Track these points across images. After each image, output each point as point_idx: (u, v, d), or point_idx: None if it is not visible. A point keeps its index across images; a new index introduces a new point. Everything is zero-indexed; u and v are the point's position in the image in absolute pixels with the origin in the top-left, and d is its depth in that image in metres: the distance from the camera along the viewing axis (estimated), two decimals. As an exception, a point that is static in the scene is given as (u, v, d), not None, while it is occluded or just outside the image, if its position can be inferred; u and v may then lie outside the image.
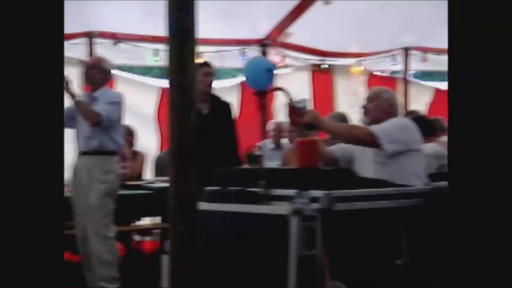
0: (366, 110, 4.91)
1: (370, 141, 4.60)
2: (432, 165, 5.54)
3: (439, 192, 4.34)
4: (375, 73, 10.43)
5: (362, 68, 10.02)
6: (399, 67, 10.29)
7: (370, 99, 4.94)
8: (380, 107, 4.84)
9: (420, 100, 10.55)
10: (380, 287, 4.26)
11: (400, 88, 10.32)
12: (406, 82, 10.35)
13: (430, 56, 10.12)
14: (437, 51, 10.10)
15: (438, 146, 5.72)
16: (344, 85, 10.12)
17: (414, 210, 4.31)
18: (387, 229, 4.32)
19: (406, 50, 10.02)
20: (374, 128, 4.65)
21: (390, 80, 10.64)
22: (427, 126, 5.93)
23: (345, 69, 10.09)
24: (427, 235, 4.36)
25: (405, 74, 10.33)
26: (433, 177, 4.93)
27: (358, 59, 9.91)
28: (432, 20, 9.10)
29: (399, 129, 4.67)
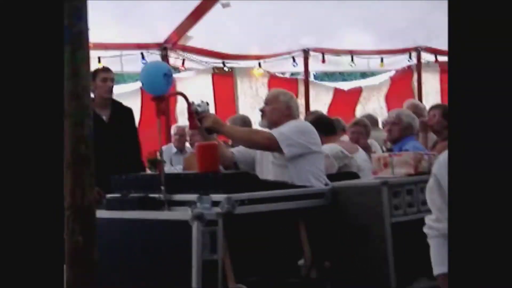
0: (264, 113, 4.94)
1: (271, 145, 4.64)
2: (333, 166, 5.63)
3: (338, 192, 4.42)
4: (276, 74, 10.53)
5: (263, 70, 10.08)
6: (299, 68, 10.41)
7: (267, 102, 4.97)
8: (277, 109, 4.87)
9: (320, 100, 10.71)
10: (283, 288, 4.32)
11: (301, 89, 10.44)
12: (306, 83, 10.48)
13: (329, 57, 10.28)
14: (336, 52, 10.28)
15: (339, 146, 5.82)
16: (246, 88, 10.17)
17: (314, 210, 4.38)
18: (288, 230, 4.37)
19: (305, 52, 10.14)
20: (274, 132, 4.68)
21: (291, 81, 10.77)
22: (328, 126, 6.02)
23: (246, 71, 10.13)
24: (327, 234, 4.43)
25: (305, 75, 10.46)
26: (333, 177, 5.03)
27: (258, 61, 9.97)
28: (330, 21, 9.28)
29: (298, 132, 4.72)
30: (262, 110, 5.00)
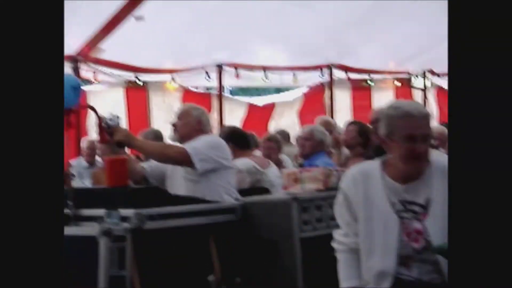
0: (176, 127, 4.92)
1: (183, 160, 4.61)
2: (245, 180, 5.63)
3: (248, 207, 4.42)
4: (190, 89, 10.50)
5: (176, 84, 10.03)
6: (213, 83, 10.41)
7: (179, 116, 4.95)
8: (189, 124, 4.86)
9: (234, 115, 10.74)
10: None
11: (214, 103, 10.45)
12: (220, 97, 10.48)
13: (242, 72, 10.32)
14: (249, 67, 10.33)
15: (252, 162, 5.83)
16: (159, 102, 10.10)
17: (225, 226, 4.37)
18: (198, 246, 4.34)
19: (219, 66, 10.16)
20: (186, 146, 4.66)
21: (204, 96, 10.75)
22: (243, 139, 6.01)
23: (160, 85, 10.07)
24: (237, 250, 4.42)
25: (219, 89, 10.46)
26: (245, 192, 5.03)
27: (172, 75, 9.92)
28: (243, 37, 9.32)
29: (210, 147, 4.71)
30: (174, 125, 4.97)
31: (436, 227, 3.01)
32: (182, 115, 4.94)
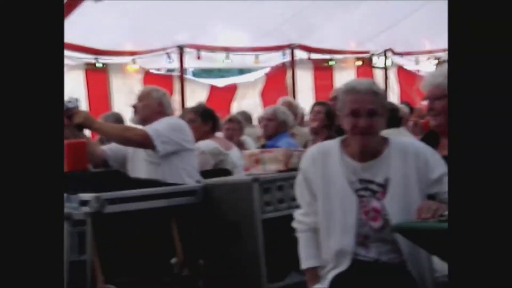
0: (136, 109, 4.88)
1: (144, 142, 4.58)
2: (208, 162, 5.62)
3: (210, 189, 4.41)
4: (151, 71, 10.42)
5: (137, 66, 9.95)
6: (174, 64, 10.34)
7: (140, 98, 4.91)
8: (150, 106, 4.82)
9: (196, 97, 10.66)
10: None
11: (176, 85, 10.38)
12: (182, 79, 10.42)
13: (204, 53, 10.27)
14: (211, 49, 10.28)
15: (215, 143, 5.82)
16: (120, 84, 10.00)
17: (186, 208, 4.35)
18: (160, 229, 4.33)
19: (180, 48, 10.09)
20: (147, 128, 4.62)
21: (166, 78, 10.67)
22: (213, 120, 5.98)
23: (121, 67, 9.97)
24: (199, 232, 4.42)
25: (180, 71, 10.40)
26: (206, 174, 5.02)
27: (133, 57, 9.83)
28: (205, 18, 9.27)
29: (172, 129, 4.68)
30: (134, 107, 4.93)
31: (394, 206, 3.03)
32: (143, 97, 4.90)
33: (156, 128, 4.62)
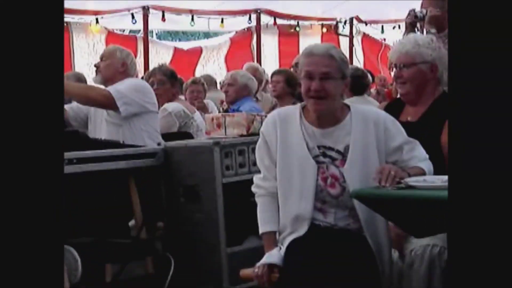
0: (98, 68, 4.82)
1: (107, 102, 4.54)
2: (175, 124, 5.59)
3: (170, 152, 4.38)
4: (114, 31, 10.27)
5: (100, 26, 9.79)
6: (138, 26, 10.19)
7: (103, 57, 4.86)
8: (112, 65, 4.77)
9: (160, 59, 10.52)
10: (112, 249, 4.24)
11: (140, 47, 10.24)
12: (146, 41, 10.29)
13: (169, 15, 10.14)
14: (176, 11, 10.15)
15: (181, 105, 5.78)
16: (82, 44, 9.84)
17: (146, 170, 4.32)
18: (118, 191, 4.29)
19: (145, 9, 9.94)
20: (111, 89, 4.58)
21: (129, 38, 10.51)
22: (176, 77, 5.95)
23: (83, 27, 9.79)
24: (158, 195, 4.40)
25: (144, 33, 10.26)
26: (168, 137, 4.99)
27: (96, 16, 9.66)
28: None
29: (135, 90, 4.64)
30: (96, 66, 4.87)
31: (353, 173, 3.04)
32: (106, 56, 4.84)
33: (119, 89, 4.57)
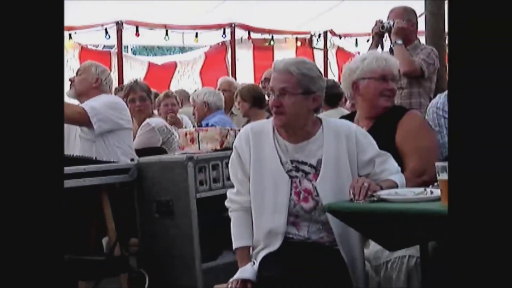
0: (73, 82, 4.82)
1: (81, 120, 4.54)
2: (158, 139, 5.56)
3: (143, 167, 4.36)
4: (87, 46, 10.23)
5: (73, 41, 9.75)
6: (112, 41, 10.17)
7: (78, 71, 4.88)
8: (86, 80, 4.77)
9: (134, 74, 10.51)
10: (86, 267, 4.21)
11: (114, 62, 10.21)
12: (120, 56, 10.25)
13: (143, 30, 10.12)
14: (150, 26, 10.14)
15: (163, 121, 5.79)
16: (56, 59, 9.78)
17: (119, 186, 4.31)
18: (91, 207, 4.27)
19: (119, 24, 9.91)
20: (85, 106, 4.57)
21: (103, 54, 10.49)
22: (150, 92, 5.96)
23: (56, 42, 9.74)
24: (132, 211, 4.37)
25: (118, 48, 10.23)
26: (141, 152, 4.97)
27: (69, 32, 9.61)
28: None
29: (109, 108, 4.64)
30: (71, 80, 4.86)
31: (326, 187, 3.04)
32: (82, 71, 4.87)
33: (93, 106, 4.57)
